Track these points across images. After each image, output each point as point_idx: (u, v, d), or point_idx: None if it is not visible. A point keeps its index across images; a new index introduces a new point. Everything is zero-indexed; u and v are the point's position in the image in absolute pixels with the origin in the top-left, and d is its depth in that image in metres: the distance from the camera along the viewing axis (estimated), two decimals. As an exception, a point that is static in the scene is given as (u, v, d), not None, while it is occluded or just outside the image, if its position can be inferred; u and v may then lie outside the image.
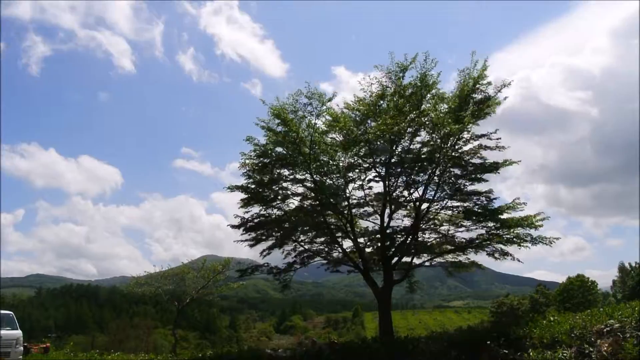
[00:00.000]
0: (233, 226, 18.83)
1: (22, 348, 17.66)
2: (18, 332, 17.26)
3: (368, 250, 19.66)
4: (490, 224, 17.17)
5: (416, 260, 18.82)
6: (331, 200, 17.93)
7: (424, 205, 18.03)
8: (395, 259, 18.39)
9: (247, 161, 17.80)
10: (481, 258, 18.58)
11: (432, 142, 17.14)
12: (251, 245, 18.97)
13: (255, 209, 18.61)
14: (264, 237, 18.78)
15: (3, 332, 16.33)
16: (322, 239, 19.38)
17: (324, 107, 16.71)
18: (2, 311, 17.58)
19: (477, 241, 17.44)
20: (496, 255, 17.39)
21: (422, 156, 17.32)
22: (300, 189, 18.56)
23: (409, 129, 16.87)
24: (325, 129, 17.37)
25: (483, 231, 17.48)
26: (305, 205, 18.58)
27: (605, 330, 10.66)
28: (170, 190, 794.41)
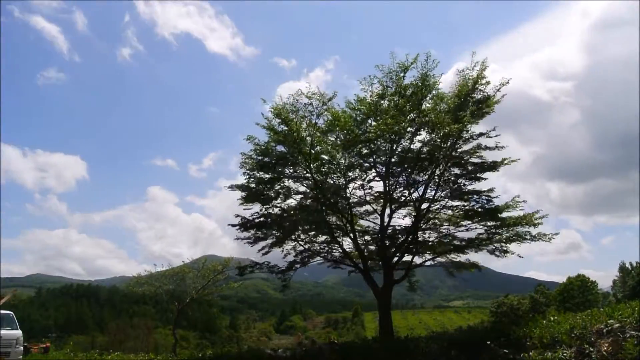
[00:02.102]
0: (234, 225, 18.85)
1: (22, 348, 17.68)
2: (18, 332, 17.27)
3: (368, 249, 19.66)
4: (490, 223, 17.21)
5: (417, 260, 18.90)
6: (331, 199, 17.93)
7: (424, 205, 18.04)
8: (396, 258, 18.40)
9: (248, 160, 17.83)
10: (482, 257, 18.71)
11: (432, 142, 17.14)
12: (251, 244, 18.99)
13: (256, 208, 18.65)
14: (263, 236, 18.78)
15: (3, 332, 16.35)
16: (322, 239, 19.38)
17: (325, 107, 16.72)
18: (2, 311, 17.59)
19: (477, 240, 17.49)
20: (497, 252, 17.56)
21: (422, 156, 17.32)
22: (301, 188, 18.60)
23: (409, 129, 16.87)
24: (326, 128, 17.37)
25: (483, 230, 17.53)
26: (305, 204, 18.58)
27: (605, 330, 10.65)
28: (140, 188, 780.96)
